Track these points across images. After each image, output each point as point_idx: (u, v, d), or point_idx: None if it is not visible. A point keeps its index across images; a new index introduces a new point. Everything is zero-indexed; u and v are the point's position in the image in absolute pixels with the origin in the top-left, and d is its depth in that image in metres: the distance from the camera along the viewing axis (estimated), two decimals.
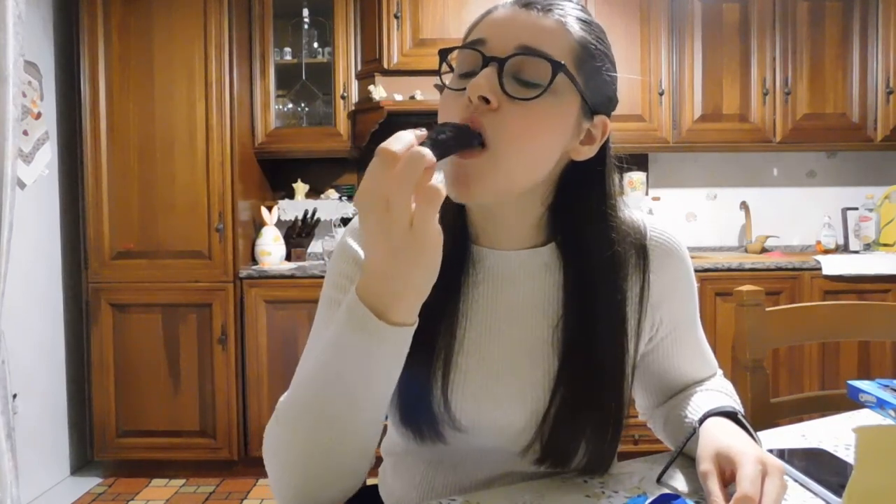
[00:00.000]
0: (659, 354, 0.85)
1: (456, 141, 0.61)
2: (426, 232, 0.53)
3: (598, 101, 0.70)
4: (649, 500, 0.65)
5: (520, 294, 0.76)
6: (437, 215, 0.53)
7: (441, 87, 0.72)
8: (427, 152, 0.52)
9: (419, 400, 0.73)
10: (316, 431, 0.62)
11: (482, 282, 0.76)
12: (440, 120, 0.70)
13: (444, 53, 0.69)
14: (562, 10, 0.68)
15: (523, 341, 0.75)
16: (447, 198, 0.75)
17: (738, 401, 0.86)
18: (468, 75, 0.67)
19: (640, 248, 0.78)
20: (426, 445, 0.76)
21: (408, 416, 0.75)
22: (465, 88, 0.66)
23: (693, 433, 0.74)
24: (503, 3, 0.70)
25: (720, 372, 0.92)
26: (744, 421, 0.73)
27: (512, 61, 0.65)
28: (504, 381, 0.74)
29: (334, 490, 0.66)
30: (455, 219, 0.76)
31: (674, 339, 0.84)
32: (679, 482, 0.72)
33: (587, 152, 0.72)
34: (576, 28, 0.68)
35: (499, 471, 0.78)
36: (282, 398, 0.67)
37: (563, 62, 0.65)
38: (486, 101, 0.64)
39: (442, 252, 0.56)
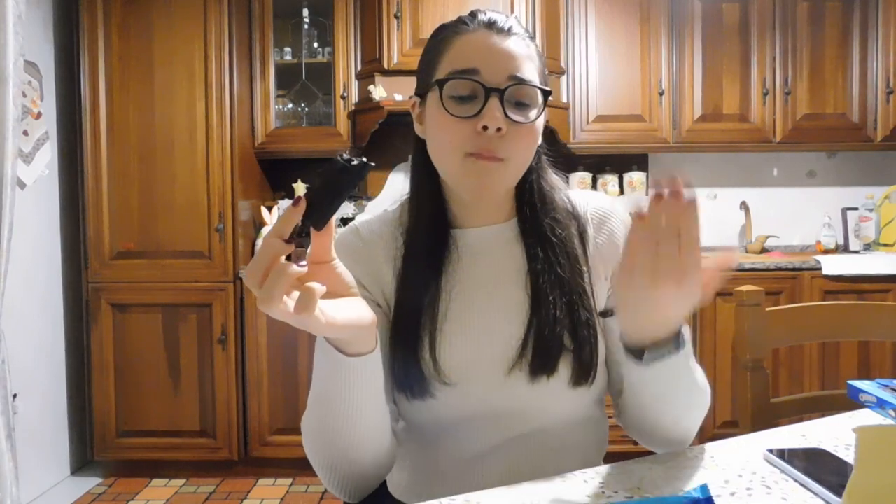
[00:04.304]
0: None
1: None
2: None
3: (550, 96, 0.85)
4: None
5: (492, 265, 0.87)
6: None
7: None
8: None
9: (410, 364, 0.82)
10: (328, 444, 0.75)
11: (460, 259, 0.87)
12: (444, 141, 0.81)
13: (441, 84, 0.79)
14: (518, 27, 0.83)
15: (499, 304, 0.85)
16: (423, 190, 0.88)
17: (706, 387, 0.82)
18: (465, 100, 0.79)
19: (574, 209, 0.90)
20: (417, 404, 0.84)
21: (400, 381, 0.84)
22: (470, 116, 0.78)
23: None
24: (468, 23, 0.82)
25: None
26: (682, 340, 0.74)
27: (509, 91, 0.79)
28: (485, 340, 0.84)
29: (367, 477, 0.79)
30: (433, 207, 0.87)
31: None
32: (675, 482, 0.72)
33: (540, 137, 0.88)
34: (532, 45, 0.84)
35: (495, 439, 0.84)
36: (303, 415, 0.77)
37: (547, 88, 0.81)
38: (498, 128, 0.78)
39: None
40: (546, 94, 0.81)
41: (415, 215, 0.88)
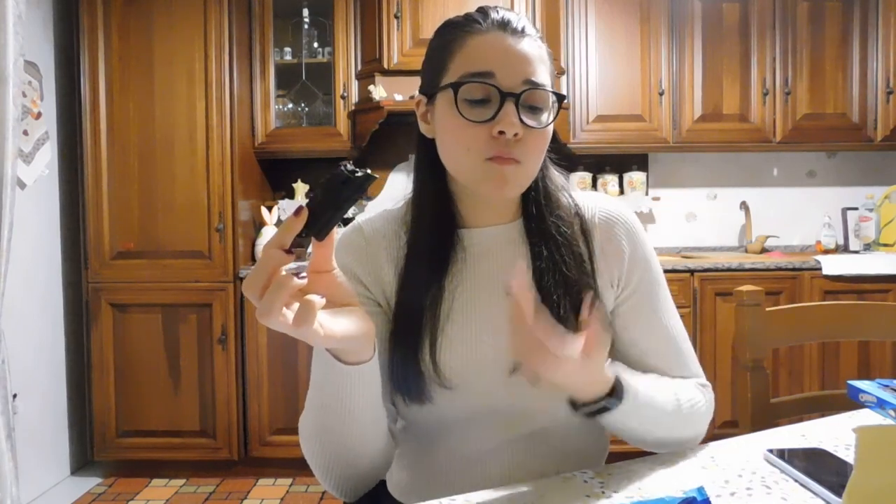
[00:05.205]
0: (619, 324, 0.88)
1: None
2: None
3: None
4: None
5: (497, 265, 0.86)
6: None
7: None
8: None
9: (409, 366, 0.81)
10: (324, 446, 0.76)
11: (465, 259, 0.86)
12: (459, 145, 0.79)
13: (456, 87, 0.78)
14: (530, 28, 0.81)
15: (501, 305, 0.83)
16: (427, 189, 0.86)
17: (695, 407, 0.84)
18: (479, 103, 0.78)
19: (578, 209, 0.89)
20: (414, 407, 0.84)
21: (398, 383, 0.83)
22: (485, 120, 0.77)
23: None
24: (481, 22, 0.80)
25: (702, 381, 0.89)
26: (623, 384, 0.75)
27: (524, 95, 0.78)
28: (486, 342, 0.83)
29: (364, 477, 0.80)
30: (437, 206, 0.86)
31: (632, 305, 0.87)
32: (675, 482, 0.72)
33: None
34: (543, 46, 0.82)
35: (496, 440, 0.84)
36: (301, 417, 0.79)
37: (562, 93, 0.78)
38: (514, 134, 0.77)
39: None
40: (560, 97, 0.80)
41: (418, 214, 0.86)
